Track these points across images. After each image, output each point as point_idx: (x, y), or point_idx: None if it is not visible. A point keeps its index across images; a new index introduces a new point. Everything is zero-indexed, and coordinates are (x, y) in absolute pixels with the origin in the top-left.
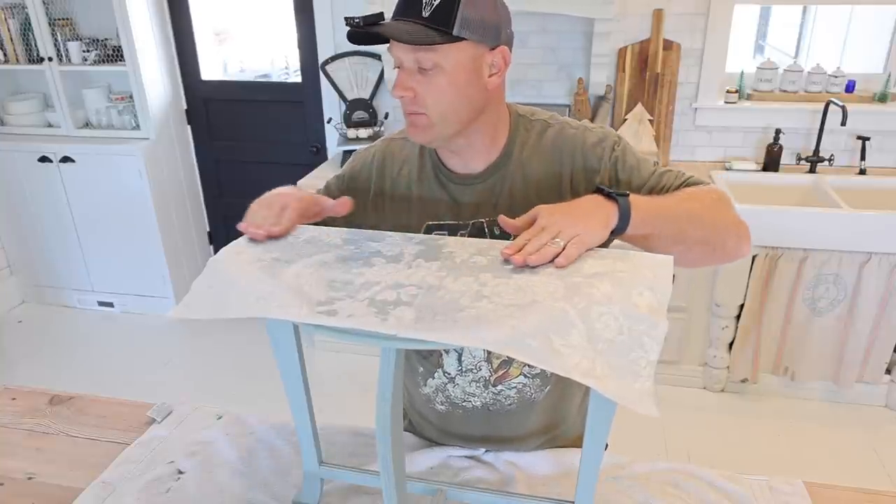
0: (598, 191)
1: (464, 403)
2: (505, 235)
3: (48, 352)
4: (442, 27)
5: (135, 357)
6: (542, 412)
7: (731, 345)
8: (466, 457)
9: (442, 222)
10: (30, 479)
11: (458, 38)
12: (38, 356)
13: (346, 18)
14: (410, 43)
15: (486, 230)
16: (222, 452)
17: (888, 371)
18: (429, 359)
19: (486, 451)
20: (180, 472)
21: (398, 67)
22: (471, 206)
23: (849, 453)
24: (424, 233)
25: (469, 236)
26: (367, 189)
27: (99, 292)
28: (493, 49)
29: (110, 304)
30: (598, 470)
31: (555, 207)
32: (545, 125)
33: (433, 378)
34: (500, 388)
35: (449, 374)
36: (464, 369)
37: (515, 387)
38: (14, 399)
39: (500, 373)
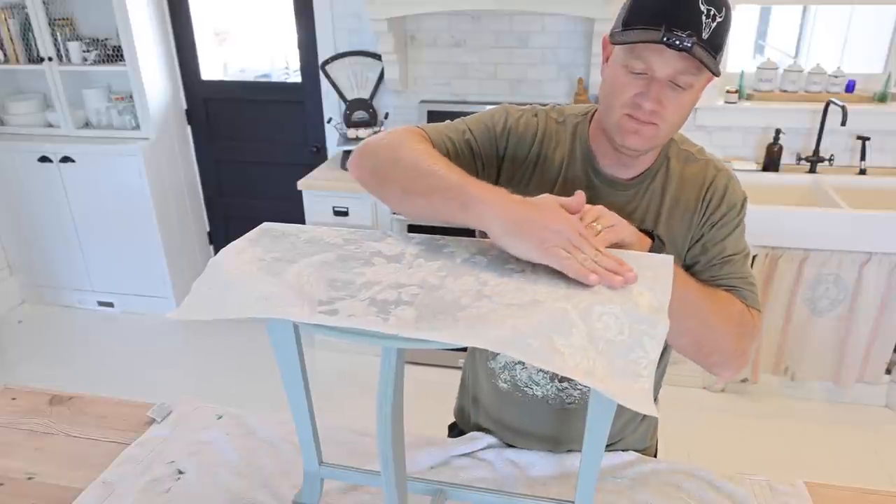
0: (645, 231)
1: (525, 388)
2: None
3: (48, 352)
4: (714, 53)
5: (135, 357)
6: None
7: None
8: (466, 456)
9: None
10: (30, 479)
11: (717, 67)
12: (38, 356)
13: (668, 39)
14: (715, 75)
15: None
16: (222, 452)
17: (888, 371)
18: None
19: (490, 447)
20: (180, 472)
21: (638, 74)
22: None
23: (849, 453)
24: None
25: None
26: (525, 155)
27: (99, 292)
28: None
29: (110, 304)
30: (598, 470)
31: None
32: (690, 155)
33: (505, 354)
34: (565, 385)
35: None
36: None
37: (580, 388)
38: (14, 399)
39: None
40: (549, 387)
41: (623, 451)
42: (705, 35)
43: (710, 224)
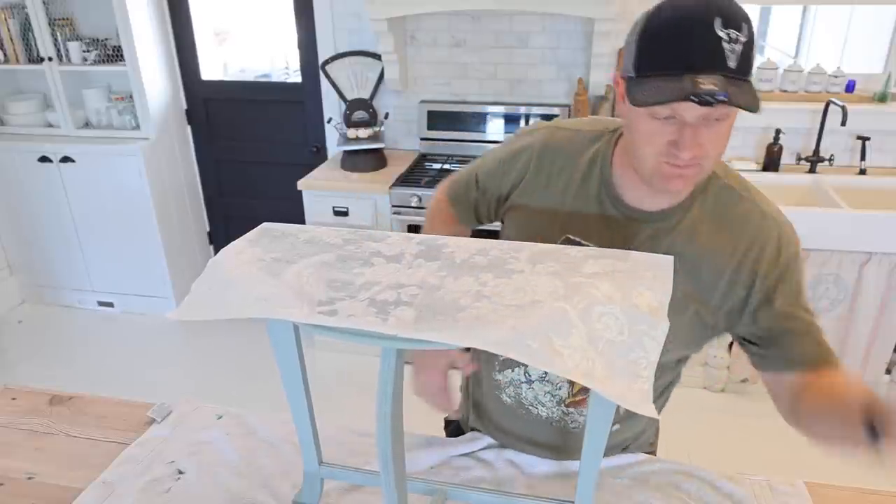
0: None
1: (530, 407)
2: None
3: (48, 352)
4: (744, 77)
5: (135, 357)
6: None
7: (731, 345)
8: (466, 456)
9: (583, 242)
10: (30, 479)
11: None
12: (38, 356)
13: (696, 96)
14: (752, 111)
15: None
16: (222, 452)
17: (888, 371)
18: None
19: (490, 447)
20: (180, 472)
21: (667, 118)
22: (620, 239)
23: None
24: (561, 243)
25: None
26: (517, 181)
27: (99, 292)
28: None
29: (110, 304)
30: (598, 470)
31: None
32: (733, 193)
33: (512, 371)
34: (571, 410)
35: (530, 376)
36: (546, 379)
37: (585, 415)
38: (14, 399)
39: (578, 398)
40: (554, 409)
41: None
42: (732, 64)
43: (766, 290)
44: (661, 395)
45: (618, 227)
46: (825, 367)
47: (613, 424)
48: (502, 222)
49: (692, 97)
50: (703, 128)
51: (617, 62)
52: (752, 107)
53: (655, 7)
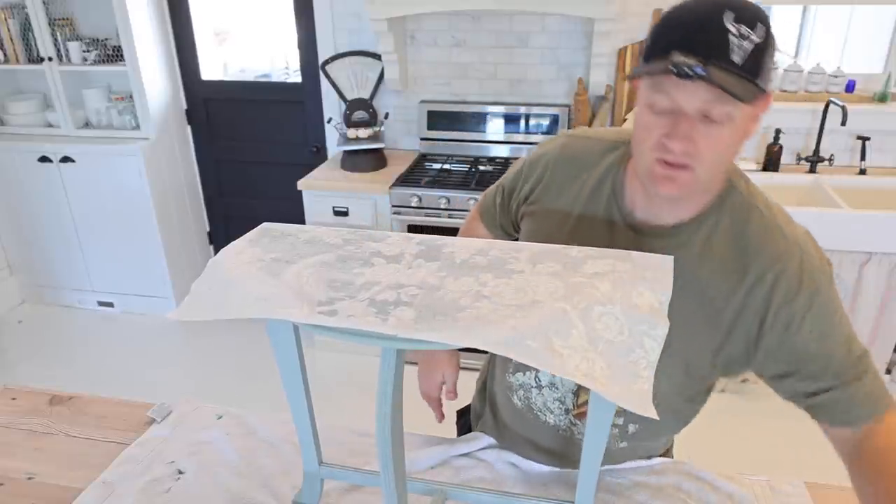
0: None
1: (538, 413)
2: None
3: (48, 352)
4: (752, 78)
5: (135, 357)
6: (608, 458)
7: None
8: (466, 456)
9: None
10: (30, 479)
11: (763, 91)
12: (38, 356)
13: (674, 66)
14: (742, 101)
15: None
16: (222, 452)
17: (888, 371)
18: None
19: (489, 447)
20: (180, 472)
21: (664, 111)
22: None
23: None
24: None
25: None
26: (534, 187)
27: (99, 292)
28: (765, 94)
29: (110, 304)
30: (598, 470)
31: None
32: (754, 209)
33: (523, 374)
34: (577, 421)
35: (540, 381)
36: (555, 385)
37: None
38: (14, 399)
39: (583, 410)
40: (562, 417)
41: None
42: (737, 58)
43: (786, 322)
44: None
45: (624, 240)
46: (863, 421)
47: (620, 441)
48: (520, 229)
49: (671, 68)
50: (700, 125)
51: (617, 63)
52: (739, 94)
53: (680, 2)
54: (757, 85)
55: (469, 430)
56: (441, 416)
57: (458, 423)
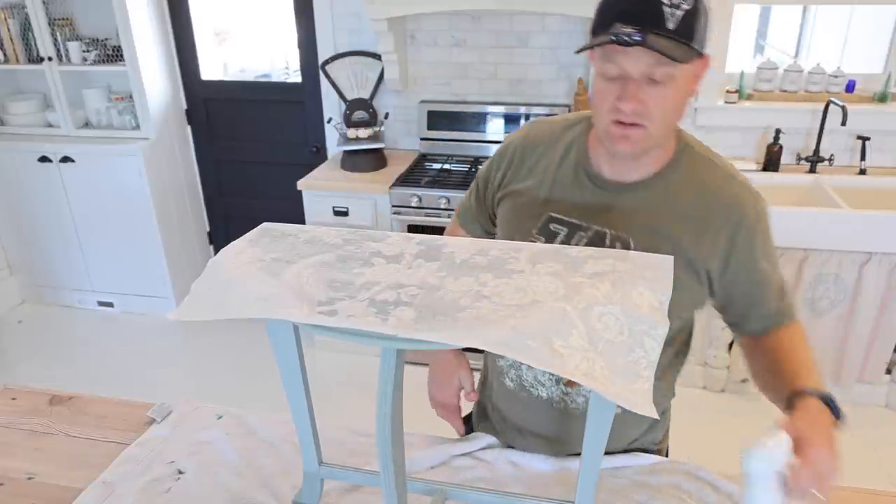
0: (827, 403)
1: (531, 389)
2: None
3: (48, 352)
4: (687, 41)
5: (135, 357)
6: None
7: (731, 345)
8: (466, 456)
9: (564, 218)
10: (30, 479)
11: (699, 54)
12: (38, 356)
13: (615, 36)
14: (679, 62)
15: (608, 242)
16: (222, 452)
17: (888, 371)
18: None
19: (490, 447)
20: (180, 472)
21: (614, 78)
22: (602, 212)
23: (849, 453)
24: (543, 224)
25: (586, 242)
26: (505, 173)
27: (99, 292)
28: (702, 58)
29: (110, 304)
30: (598, 470)
31: (828, 445)
32: (709, 162)
33: None
34: (569, 390)
35: None
36: None
37: (584, 395)
38: (14, 399)
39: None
40: (553, 389)
41: (637, 451)
42: (671, 25)
43: (747, 251)
44: (669, 367)
45: (596, 200)
46: (787, 321)
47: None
48: (497, 217)
49: (612, 36)
50: (646, 86)
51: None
52: (676, 56)
53: None
54: (691, 47)
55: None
56: (463, 428)
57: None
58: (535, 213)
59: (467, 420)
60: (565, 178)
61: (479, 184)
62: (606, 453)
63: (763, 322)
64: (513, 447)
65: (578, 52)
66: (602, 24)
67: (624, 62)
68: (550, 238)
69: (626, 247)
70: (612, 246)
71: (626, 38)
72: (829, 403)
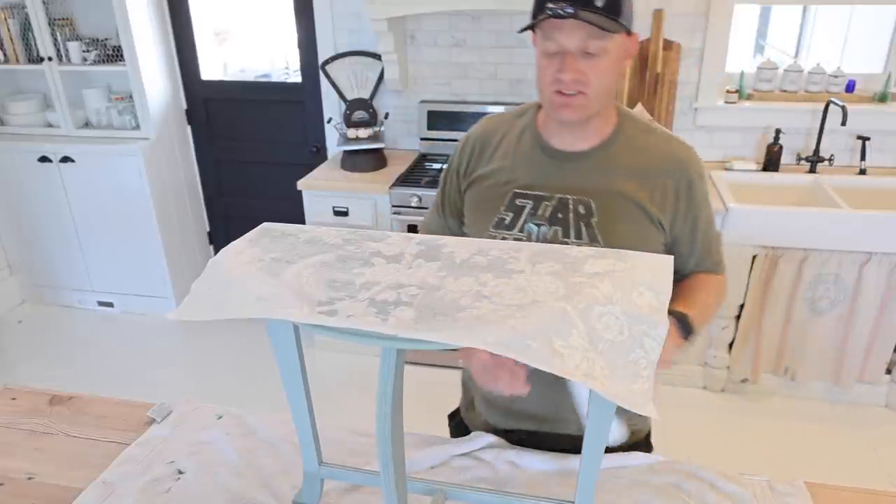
0: (680, 321)
1: None
2: (587, 213)
3: (48, 352)
4: (615, 17)
5: (135, 357)
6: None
7: (731, 345)
8: (466, 456)
9: (528, 192)
10: (30, 479)
11: (625, 28)
12: (38, 356)
13: (550, 10)
14: (608, 31)
15: (571, 207)
16: (222, 452)
17: (888, 371)
18: None
19: (489, 447)
20: (180, 472)
21: (553, 54)
22: (562, 181)
23: (849, 453)
24: (509, 200)
25: (552, 210)
26: (467, 165)
27: (99, 292)
28: (630, 35)
29: (110, 304)
30: (598, 470)
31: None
32: (648, 128)
33: None
34: None
35: None
36: None
37: None
38: (14, 399)
39: None
40: None
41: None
42: (599, 3)
43: (689, 200)
44: None
45: (554, 170)
46: (713, 270)
47: None
48: (465, 205)
49: (548, 11)
50: (582, 59)
51: None
52: (606, 27)
53: None
54: (619, 22)
55: (462, 431)
56: (524, 384)
57: (450, 425)
58: (501, 193)
59: (454, 416)
60: (523, 157)
61: (446, 180)
62: (542, 421)
63: (693, 267)
64: (503, 429)
65: (521, 31)
66: (538, 6)
67: (560, 37)
68: (518, 212)
69: (588, 208)
70: (576, 209)
71: (560, 12)
72: (682, 321)
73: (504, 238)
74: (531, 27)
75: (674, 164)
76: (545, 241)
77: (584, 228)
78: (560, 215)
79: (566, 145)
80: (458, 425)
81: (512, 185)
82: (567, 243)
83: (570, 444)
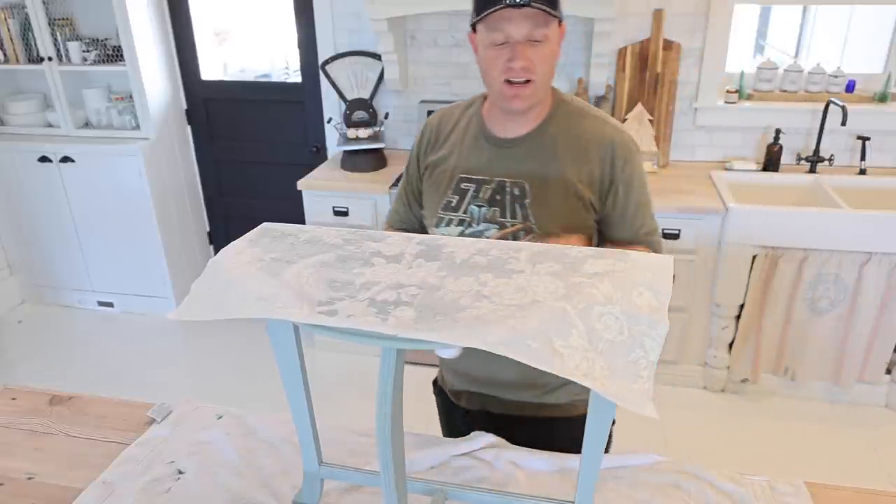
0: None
1: None
2: (521, 195)
3: (48, 352)
4: (553, 6)
5: (135, 357)
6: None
7: (731, 345)
8: (466, 456)
9: (472, 177)
10: (30, 479)
11: (561, 17)
12: (38, 356)
13: (507, 2)
14: (556, 18)
15: (508, 189)
16: (222, 452)
17: (888, 371)
18: None
19: (490, 447)
20: (180, 472)
21: (501, 44)
22: (502, 165)
23: (849, 453)
24: (455, 184)
25: (491, 192)
26: (425, 154)
27: (99, 292)
28: (561, 25)
29: (110, 304)
30: (598, 470)
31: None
32: (582, 111)
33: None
34: None
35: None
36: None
37: None
38: (14, 399)
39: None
40: None
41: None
42: None
43: (620, 181)
44: None
45: (494, 156)
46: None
47: None
48: (423, 194)
49: (506, 1)
50: (529, 47)
51: (617, 63)
52: (554, 13)
53: None
54: (558, 9)
55: (441, 394)
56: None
57: (434, 392)
58: (449, 178)
59: (436, 382)
60: (469, 145)
61: (409, 169)
62: (498, 387)
63: (624, 242)
64: (459, 390)
65: (474, 23)
66: (485, 3)
67: (509, 27)
68: (462, 195)
69: (523, 190)
70: (512, 191)
71: (518, 1)
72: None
73: (450, 220)
74: (486, 15)
75: (605, 145)
76: (485, 220)
77: (518, 209)
78: (498, 197)
79: (507, 132)
80: (440, 392)
81: (458, 172)
82: (504, 223)
83: (518, 412)
